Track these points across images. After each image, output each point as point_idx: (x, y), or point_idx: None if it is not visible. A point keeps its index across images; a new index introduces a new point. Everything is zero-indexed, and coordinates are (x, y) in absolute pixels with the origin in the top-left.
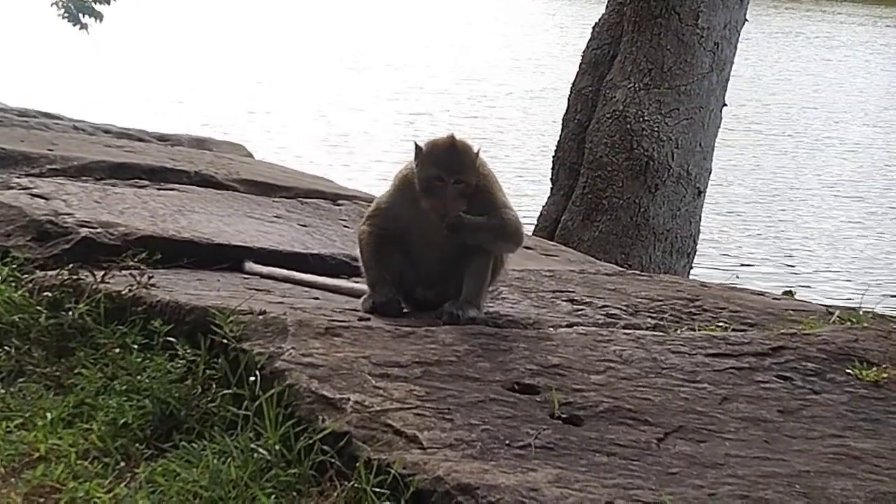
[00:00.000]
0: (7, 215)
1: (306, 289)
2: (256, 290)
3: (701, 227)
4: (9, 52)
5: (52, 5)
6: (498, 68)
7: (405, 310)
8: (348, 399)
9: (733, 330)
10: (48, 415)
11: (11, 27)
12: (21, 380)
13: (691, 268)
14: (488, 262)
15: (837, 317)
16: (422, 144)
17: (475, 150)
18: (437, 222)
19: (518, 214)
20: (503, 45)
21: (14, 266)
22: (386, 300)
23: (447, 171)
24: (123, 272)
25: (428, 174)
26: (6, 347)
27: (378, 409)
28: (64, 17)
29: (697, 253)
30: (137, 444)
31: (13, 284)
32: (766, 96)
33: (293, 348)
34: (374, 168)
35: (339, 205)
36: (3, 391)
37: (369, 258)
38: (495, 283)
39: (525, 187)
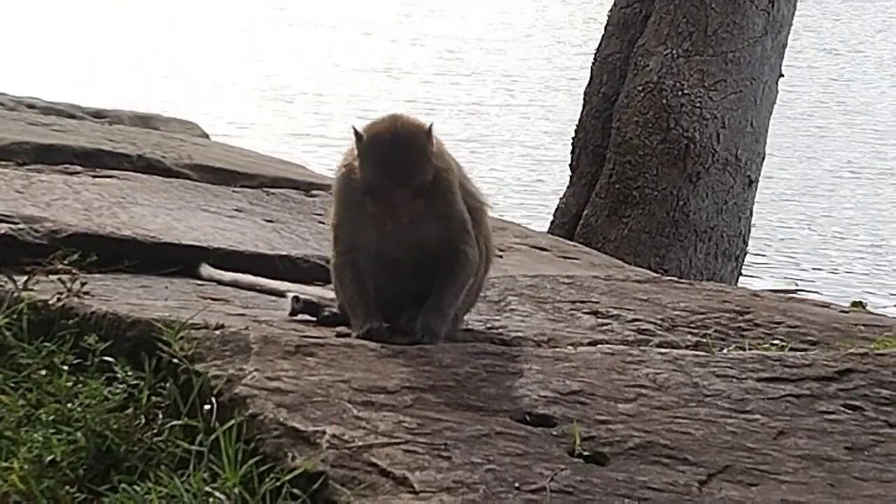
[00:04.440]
0: None
1: (274, 298)
2: (213, 299)
3: (752, 224)
4: None
5: None
6: (499, 35)
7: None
8: (324, 432)
9: (791, 349)
10: None
11: None
12: None
13: (740, 273)
14: (464, 263)
15: None
16: (361, 130)
17: (425, 132)
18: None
19: (469, 220)
20: (498, 13)
21: None
22: (378, 326)
23: (390, 179)
24: (51, 277)
25: (368, 179)
26: None
27: (360, 444)
28: None
29: (748, 255)
30: (67, 487)
31: None
32: (834, 68)
33: (257, 370)
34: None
35: (312, 196)
36: None
37: (352, 294)
38: (479, 286)
39: (538, 175)
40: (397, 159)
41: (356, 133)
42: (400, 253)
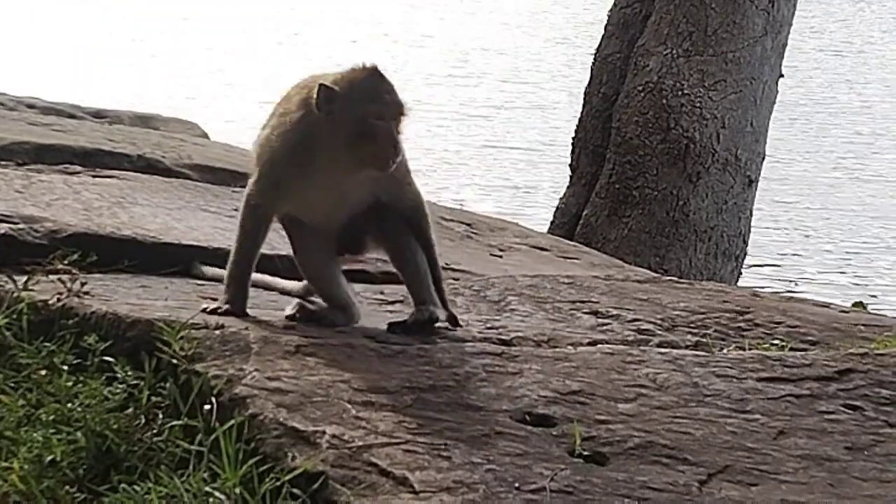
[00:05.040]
0: None
1: (274, 297)
2: (212, 299)
3: (752, 224)
4: None
5: None
6: (501, 37)
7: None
8: (324, 432)
9: (791, 349)
10: None
11: None
12: None
13: (740, 273)
14: (429, 239)
15: None
16: (331, 84)
17: None
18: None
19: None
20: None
21: None
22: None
23: (390, 107)
24: (51, 277)
25: (362, 114)
26: None
27: (360, 444)
28: None
29: (748, 255)
30: (67, 487)
31: None
32: (834, 68)
33: (257, 370)
34: None
35: None
36: None
37: (238, 262)
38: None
39: (538, 175)
40: (392, 90)
41: (326, 89)
42: (339, 217)
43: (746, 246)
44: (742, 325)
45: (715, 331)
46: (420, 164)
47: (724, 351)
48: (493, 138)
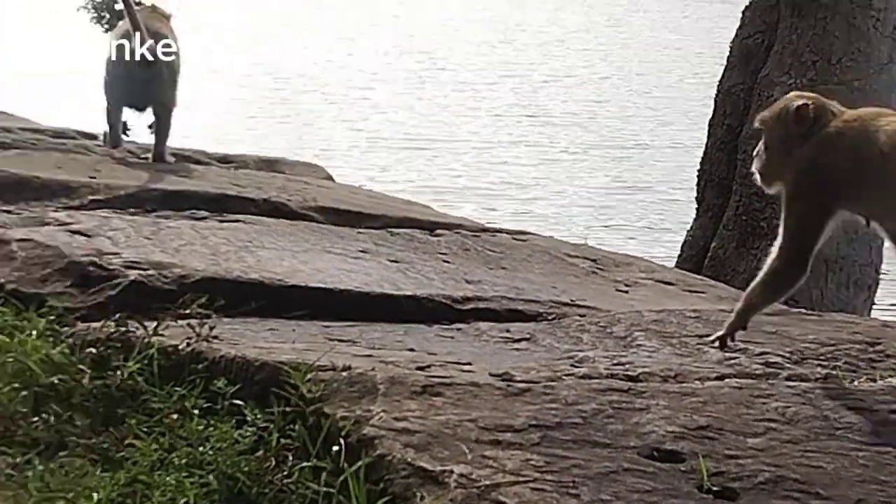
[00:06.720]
0: (43, 256)
1: (399, 338)
2: (339, 340)
3: (884, 254)
4: (38, 64)
5: (78, 10)
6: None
7: None
8: (452, 472)
9: None
10: (95, 495)
11: (38, 37)
12: (63, 453)
13: (873, 304)
14: None
15: None
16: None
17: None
18: None
19: None
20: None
21: (52, 317)
22: None
23: None
24: (180, 322)
25: None
26: (44, 415)
27: (488, 483)
28: (93, 20)
29: (880, 285)
30: None
31: (51, 339)
32: None
33: (384, 411)
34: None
35: (437, 235)
36: (41, 467)
37: None
38: None
39: (665, 210)
40: None
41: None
42: None
43: (878, 276)
44: (873, 356)
45: (845, 362)
46: (553, 202)
47: (855, 383)
48: (618, 175)
